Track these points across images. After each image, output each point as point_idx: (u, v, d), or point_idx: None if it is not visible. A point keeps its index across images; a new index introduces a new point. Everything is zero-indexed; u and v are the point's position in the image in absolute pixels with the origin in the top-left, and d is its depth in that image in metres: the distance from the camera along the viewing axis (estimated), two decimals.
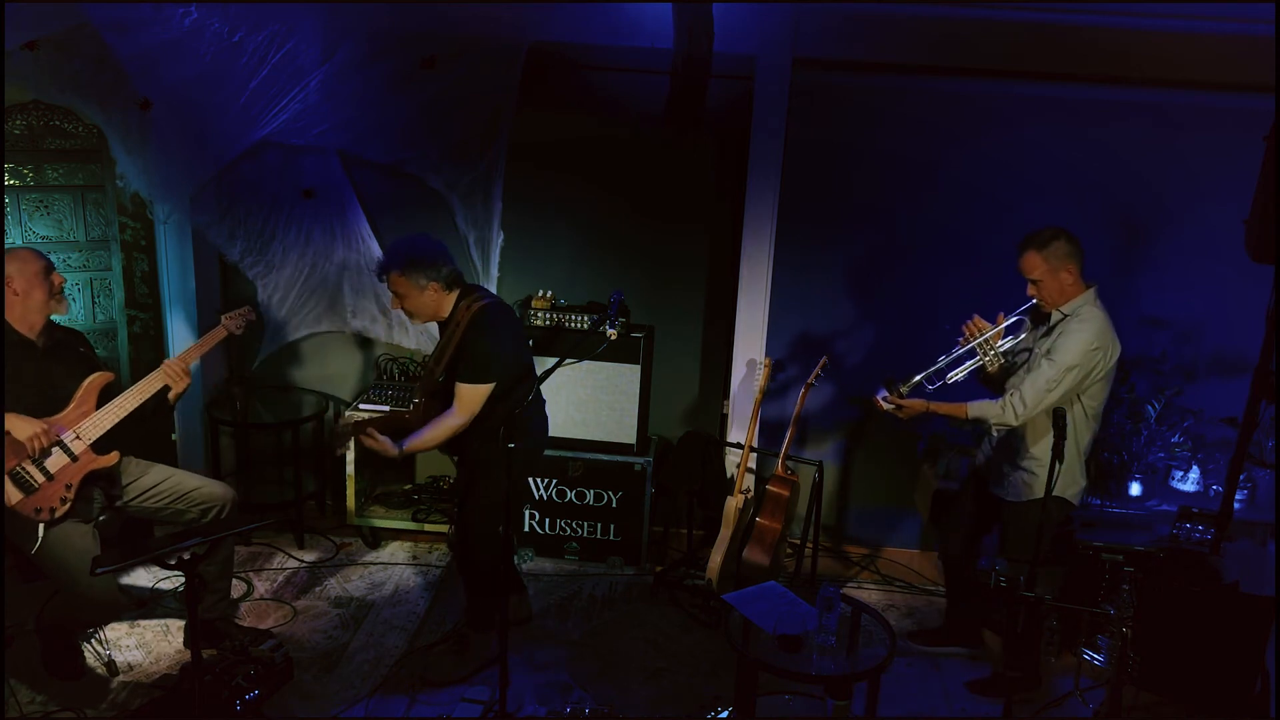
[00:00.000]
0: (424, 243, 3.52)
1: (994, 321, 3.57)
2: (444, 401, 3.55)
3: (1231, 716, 3.67)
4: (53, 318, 3.43)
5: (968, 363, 3.55)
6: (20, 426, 3.21)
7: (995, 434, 3.65)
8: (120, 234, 4.64)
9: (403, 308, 3.54)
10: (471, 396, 3.47)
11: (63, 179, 4.52)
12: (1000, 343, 3.53)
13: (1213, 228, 4.28)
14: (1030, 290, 3.49)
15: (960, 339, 3.56)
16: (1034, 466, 3.54)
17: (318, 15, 4.19)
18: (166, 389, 3.49)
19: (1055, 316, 3.50)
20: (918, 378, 3.52)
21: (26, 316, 3.34)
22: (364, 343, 4.94)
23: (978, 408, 3.48)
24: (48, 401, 3.34)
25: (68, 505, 3.32)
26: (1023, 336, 3.55)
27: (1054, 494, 3.43)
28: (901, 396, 3.52)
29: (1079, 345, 3.36)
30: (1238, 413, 3.93)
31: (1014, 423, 3.43)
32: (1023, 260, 3.47)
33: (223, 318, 3.70)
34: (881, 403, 3.57)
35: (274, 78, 4.23)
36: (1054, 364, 3.37)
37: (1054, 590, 3.94)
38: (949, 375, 3.54)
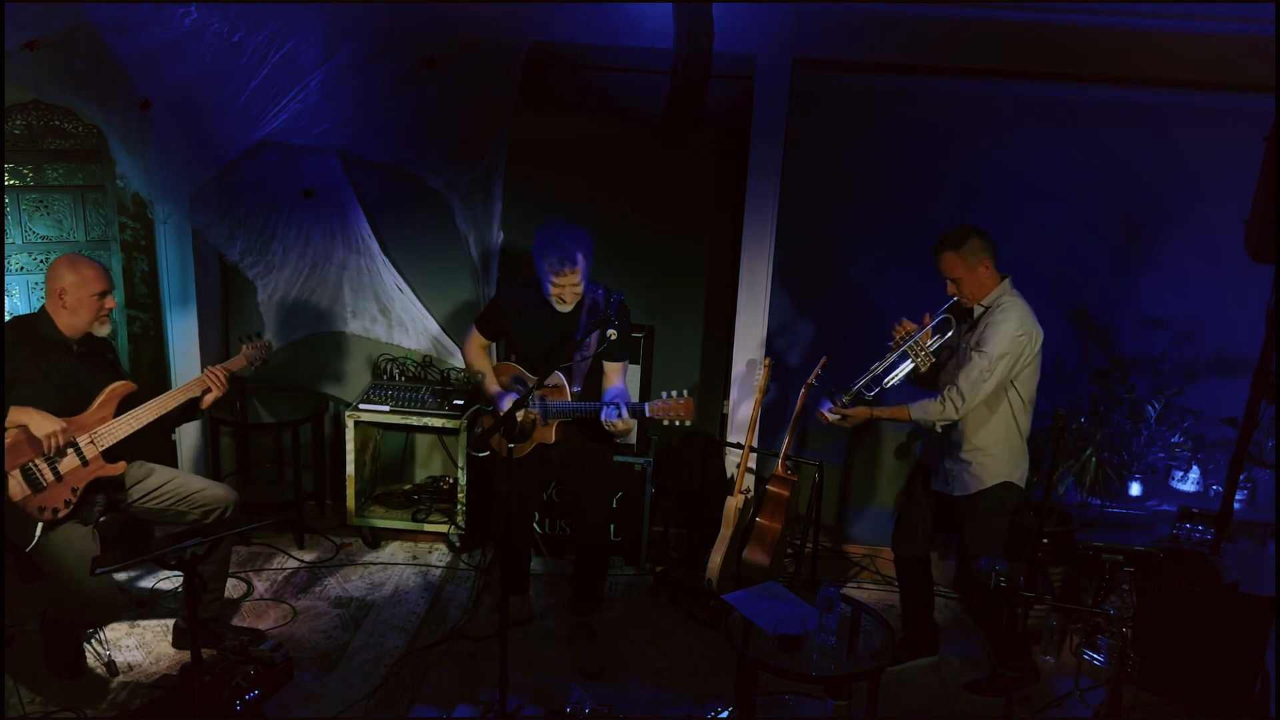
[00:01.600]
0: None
1: (920, 322, 3.63)
2: (588, 381, 3.72)
3: (1231, 716, 3.67)
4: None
5: (902, 365, 3.61)
6: (40, 423, 3.24)
7: (938, 430, 3.67)
8: (120, 234, 4.64)
9: (568, 294, 3.57)
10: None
11: (63, 179, 4.52)
12: (929, 342, 3.61)
13: (1213, 228, 4.28)
14: (950, 289, 3.56)
15: (891, 343, 3.62)
16: (978, 456, 3.58)
17: (318, 15, 4.19)
18: (196, 398, 3.55)
19: (977, 310, 3.56)
20: (857, 385, 3.59)
21: (72, 323, 3.38)
22: (364, 343, 4.93)
23: (919, 408, 3.54)
24: (71, 403, 3.37)
25: (70, 508, 3.33)
26: (949, 334, 3.62)
27: (1003, 479, 3.59)
28: (845, 406, 3.58)
29: (1006, 333, 3.43)
30: (1238, 413, 3.93)
31: (955, 417, 3.49)
32: (940, 261, 3.54)
33: (245, 346, 3.75)
34: (826, 415, 3.63)
35: (274, 78, 4.22)
36: (984, 354, 3.43)
37: (1053, 589, 3.95)
38: (885, 380, 3.60)
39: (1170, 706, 3.75)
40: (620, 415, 3.52)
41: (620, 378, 3.77)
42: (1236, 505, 4.05)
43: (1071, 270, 4.41)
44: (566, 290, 3.54)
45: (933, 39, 4.16)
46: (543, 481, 3.90)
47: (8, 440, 3.24)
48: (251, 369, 3.81)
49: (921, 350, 3.60)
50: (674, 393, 3.58)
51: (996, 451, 3.56)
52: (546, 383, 3.65)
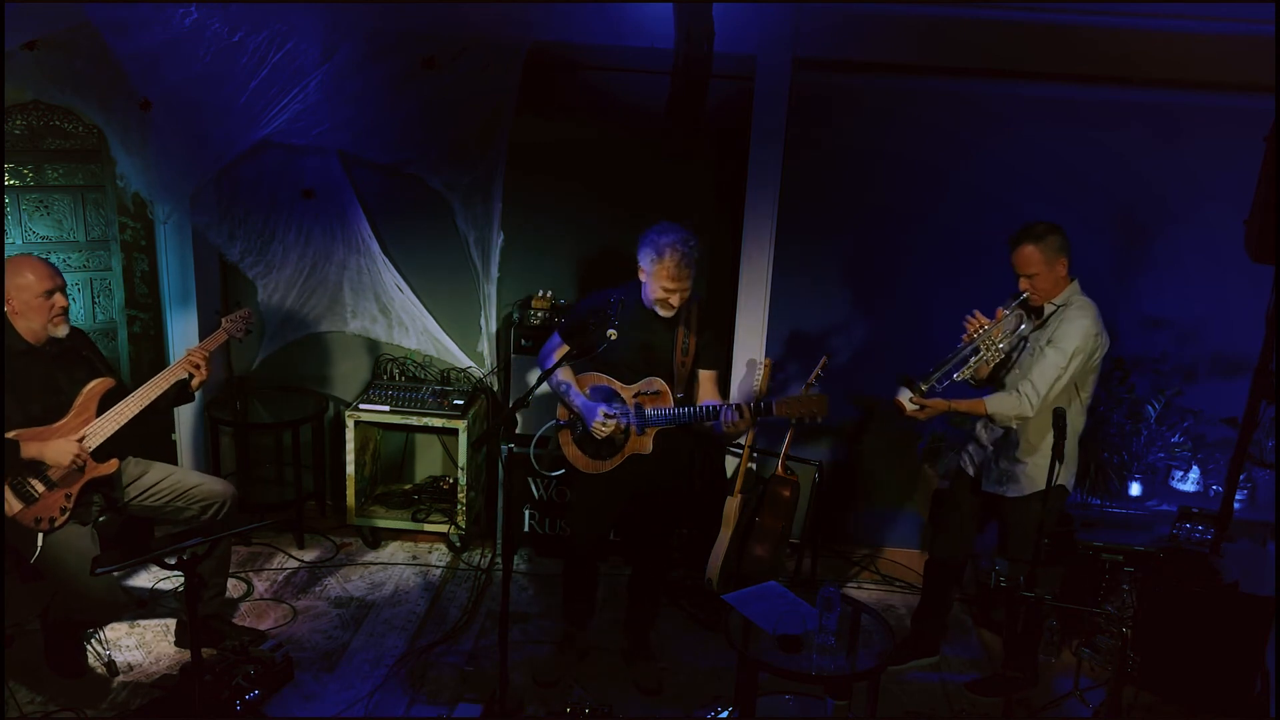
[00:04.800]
0: None
1: (992, 317, 3.57)
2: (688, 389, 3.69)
3: (1231, 716, 3.67)
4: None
5: (972, 360, 3.49)
6: (54, 454, 3.21)
7: (997, 430, 3.63)
8: (120, 234, 4.64)
9: (676, 300, 3.47)
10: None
11: (63, 179, 4.51)
12: (999, 337, 3.51)
13: (1213, 228, 4.28)
14: (1023, 284, 3.48)
15: (964, 336, 3.51)
16: (1037, 458, 3.54)
17: (318, 15, 4.19)
18: (184, 383, 3.49)
19: (1048, 309, 3.51)
20: (935, 376, 3.42)
21: (29, 327, 3.32)
22: (364, 343, 4.93)
23: (995, 402, 3.45)
24: (51, 410, 3.33)
25: (67, 515, 3.31)
26: (1021, 329, 3.54)
27: (1059, 483, 3.47)
28: (924, 396, 3.42)
29: (1081, 330, 3.39)
30: (1238, 413, 3.93)
31: (1030, 413, 3.41)
32: (1018, 254, 3.46)
33: (223, 320, 3.67)
34: (906, 404, 3.46)
35: (274, 78, 4.22)
36: (1060, 350, 3.39)
37: (1053, 588, 3.95)
38: (955, 374, 3.46)
39: (1170, 706, 3.75)
40: (740, 415, 3.45)
41: (715, 386, 3.69)
42: (1236, 505, 4.05)
43: (1072, 270, 4.40)
44: (676, 296, 3.44)
45: (933, 39, 4.16)
46: (621, 496, 3.74)
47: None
48: (238, 340, 3.73)
49: (993, 345, 3.48)
50: (803, 389, 3.52)
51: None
52: (647, 390, 3.58)
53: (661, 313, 3.51)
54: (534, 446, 3.79)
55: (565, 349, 3.62)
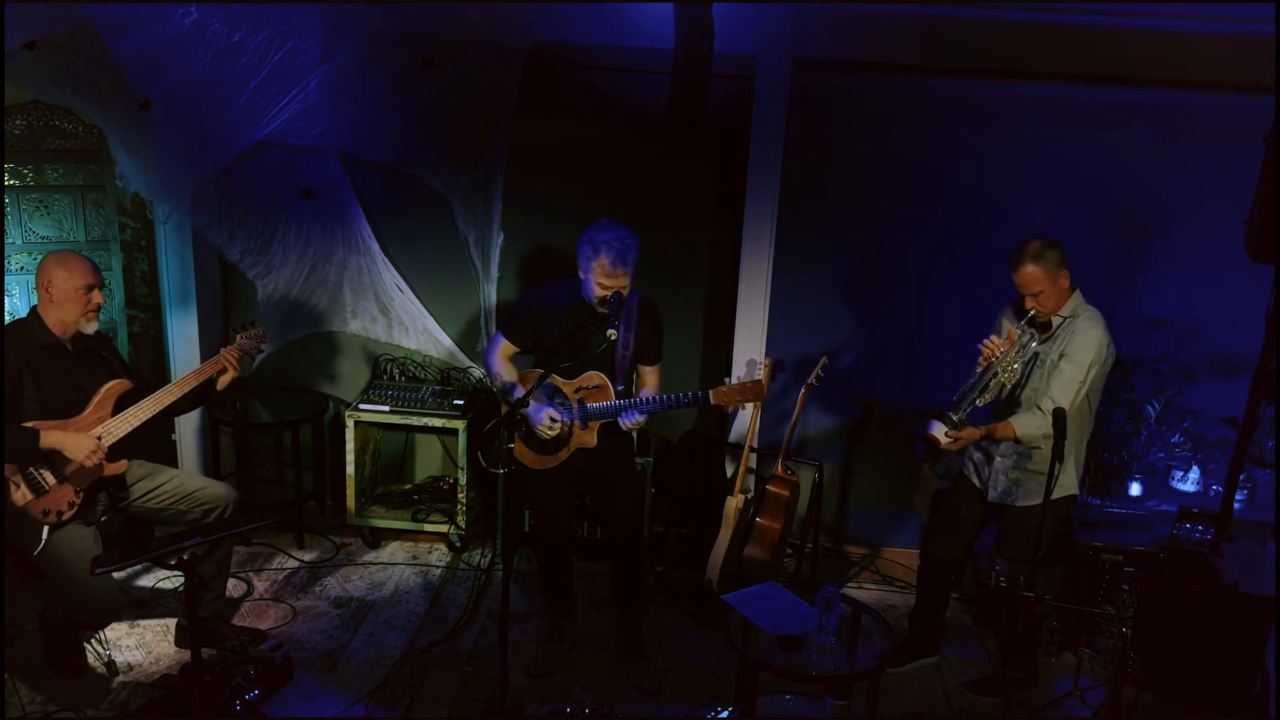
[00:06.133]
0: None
1: (993, 322, 3.55)
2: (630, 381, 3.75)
3: (1231, 716, 3.67)
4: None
5: (991, 383, 3.42)
6: (74, 447, 3.25)
7: (1039, 446, 3.53)
8: (120, 234, 4.64)
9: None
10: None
11: (63, 179, 4.51)
12: (1013, 358, 3.44)
13: (1213, 228, 4.28)
14: (1030, 304, 3.43)
15: (979, 360, 3.45)
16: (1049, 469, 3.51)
17: (318, 15, 4.19)
18: (196, 392, 3.54)
19: (1055, 321, 3.49)
20: (963, 405, 3.37)
21: (61, 319, 3.37)
22: (364, 343, 4.93)
23: (1022, 424, 3.41)
24: (70, 406, 3.36)
25: (75, 509, 3.33)
26: (1031, 346, 3.50)
27: (1069, 492, 3.51)
28: (958, 427, 3.35)
29: (1095, 342, 3.38)
30: (1238, 413, 3.93)
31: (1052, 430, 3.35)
32: (1021, 275, 3.40)
33: (238, 336, 3.71)
34: (941, 438, 3.36)
35: (274, 78, 4.22)
36: (1076, 364, 3.37)
37: (1053, 588, 3.95)
38: (978, 400, 3.41)
39: (1170, 706, 3.75)
40: (639, 416, 3.53)
41: (656, 380, 3.79)
42: (1236, 505, 4.05)
43: (1072, 270, 4.40)
44: (613, 293, 3.47)
45: (934, 39, 4.15)
46: (575, 489, 3.86)
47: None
48: (250, 357, 3.77)
49: (1009, 367, 3.42)
50: (740, 376, 3.47)
51: (1068, 463, 3.47)
52: (588, 384, 3.62)
53: (601, 310, 3.55)
54: (480, 445, 3.82)
55: (509, 347, 3.70)
